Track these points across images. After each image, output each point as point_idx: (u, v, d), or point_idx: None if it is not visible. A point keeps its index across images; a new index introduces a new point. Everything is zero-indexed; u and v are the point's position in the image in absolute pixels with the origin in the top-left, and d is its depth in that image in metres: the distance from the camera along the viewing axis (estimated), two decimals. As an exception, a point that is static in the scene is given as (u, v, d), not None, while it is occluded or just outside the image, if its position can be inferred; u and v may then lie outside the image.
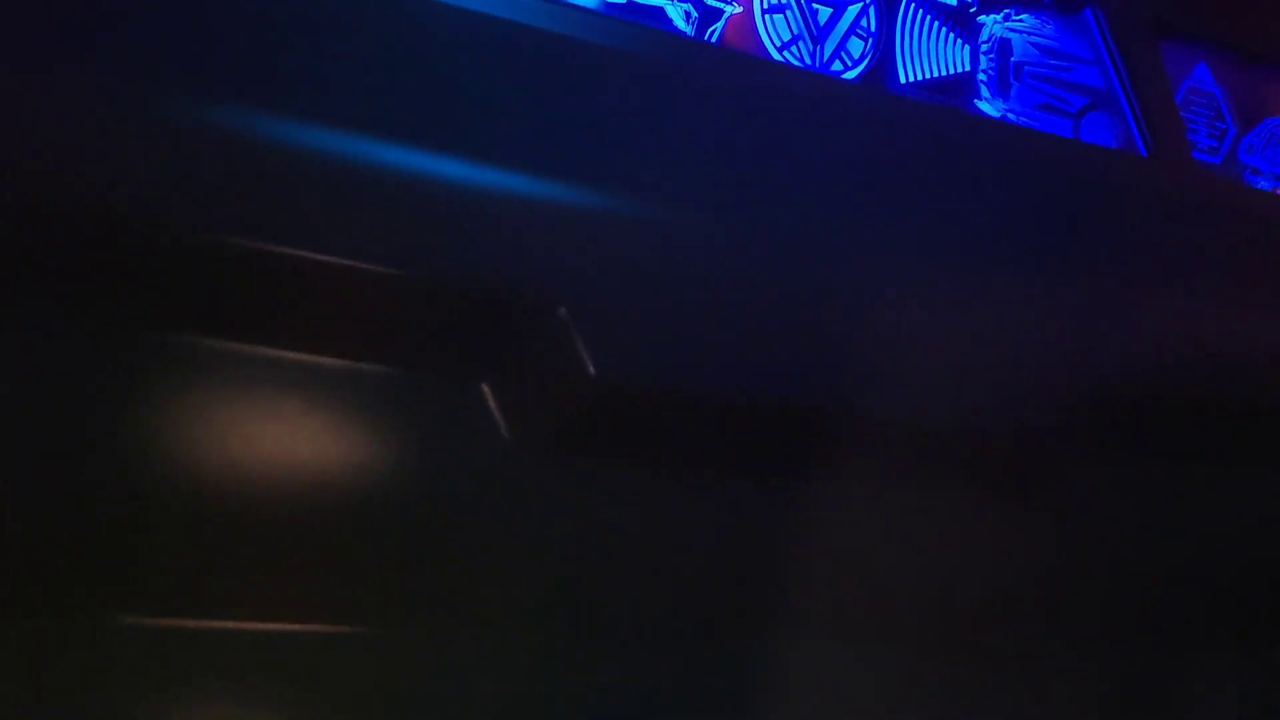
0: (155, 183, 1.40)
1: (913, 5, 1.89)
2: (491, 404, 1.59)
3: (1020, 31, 1.95)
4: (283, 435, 1.55)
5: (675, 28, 1.75)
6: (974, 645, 1.90)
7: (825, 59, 1.84)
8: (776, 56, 1.81)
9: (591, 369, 1.56)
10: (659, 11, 1.74)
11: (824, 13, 1.85)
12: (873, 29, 1.87)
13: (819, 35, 1.84)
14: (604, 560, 1.68)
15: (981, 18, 1.94)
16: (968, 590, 1.88)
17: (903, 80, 1.88)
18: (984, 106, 1.94)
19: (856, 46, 1.86)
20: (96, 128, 1.36)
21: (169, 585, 1.53)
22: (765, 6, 1.81)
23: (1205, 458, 1.95)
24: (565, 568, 1.67)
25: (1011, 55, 1.95)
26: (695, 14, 1.76)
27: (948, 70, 1.91)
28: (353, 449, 1.57)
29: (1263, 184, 2.11)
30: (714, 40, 1.78)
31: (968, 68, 1.92)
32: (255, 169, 1.44)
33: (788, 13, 1.83)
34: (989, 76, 1.93)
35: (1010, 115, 1.94)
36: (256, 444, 1.54)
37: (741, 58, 1.79)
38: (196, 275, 1.45)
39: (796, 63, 1.82)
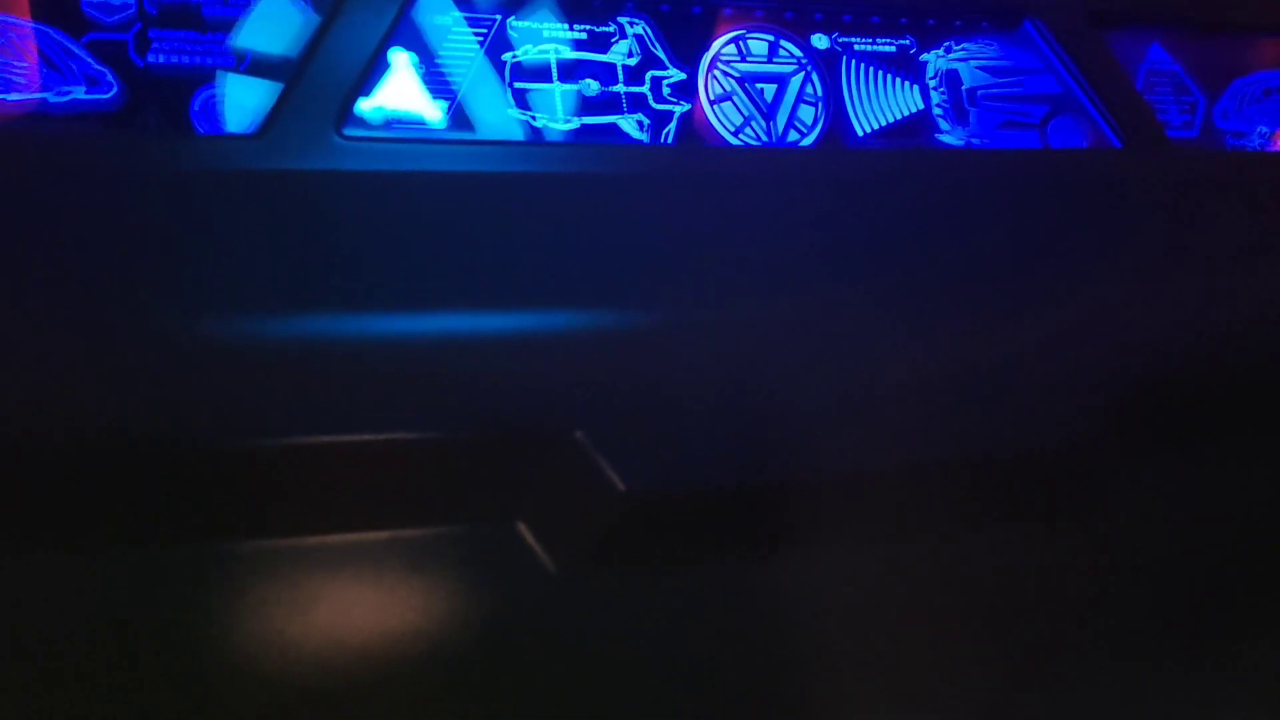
0: (175, 398, 1.48)
1: (852, 61, 1.92)
2: (530, 540, 1.63)
3: (965, 60, 1.97)
4: (343, 619, 1.60)
5: (631, 138, 1.81)
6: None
7: (780, 133, 1.88)
8: (733, 141, 1.86)
9: (620, 485, 1.60)
10: (613, 128, 1.80)
11: (768, 90, 1.89)
12: (819, 93, 1.90)
13: (768, 112, 1.88)
14: (675, 663, 1.70)
15: (923, 56, 1.96)
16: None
17: (860, 134, 1.91)
18: (946, 139, 1.95)
19: (807, 113, 1.89)
20: (93, 340, 1.45)
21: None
22: (711, 98, 1.86)
23: (1235, 437, 1.92)
24: (637, 680, 1.69)
25: (962, 84, 1.96)
26: (647, 121, 1.81)
27: (902, 114, 1.93)
28: (410, 617, 1.61)
29: (1247, 144, 2.08)
30: (669, 141, 1.82)
31: (921, 106, 1.94)
32: (260, 367, 1.52)
33: (734, 98, 1.87)
34: (944, 110, 1.94)
35: (974, 141, 1.94)
36: (322, 635, 1.59)
37: (700, 151, 1.84)
38: (227, 483, 1.52)
39: (753, 142, 1.86)
